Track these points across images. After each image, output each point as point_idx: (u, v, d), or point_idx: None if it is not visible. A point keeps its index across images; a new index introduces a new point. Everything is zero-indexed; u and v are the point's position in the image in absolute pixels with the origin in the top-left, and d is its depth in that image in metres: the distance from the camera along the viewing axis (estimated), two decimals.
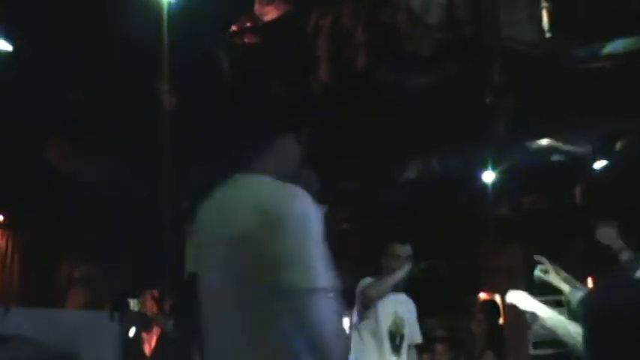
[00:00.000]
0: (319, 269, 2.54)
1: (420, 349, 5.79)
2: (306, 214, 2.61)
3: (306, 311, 2.51)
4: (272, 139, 2.91)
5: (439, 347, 9.23)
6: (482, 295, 11.07)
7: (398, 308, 5.24)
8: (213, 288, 2.74)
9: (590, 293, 5.70)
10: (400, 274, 5.13)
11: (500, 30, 7.73)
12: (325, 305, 2.55)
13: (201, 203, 2.92)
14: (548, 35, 7.98)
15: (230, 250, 2.61)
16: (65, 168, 7.60)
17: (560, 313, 8.08)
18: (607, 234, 5.37)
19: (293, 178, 2.84)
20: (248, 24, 6.41)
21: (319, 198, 3.01)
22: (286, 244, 2.53)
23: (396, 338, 5.19)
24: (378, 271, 5.25)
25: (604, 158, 9.61)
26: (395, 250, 5.24)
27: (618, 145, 9.38)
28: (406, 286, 5.33)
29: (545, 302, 9.51)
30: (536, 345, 9.39)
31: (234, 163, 2.90)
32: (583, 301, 5.51)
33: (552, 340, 8.98)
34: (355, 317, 5.18)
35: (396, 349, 5.17)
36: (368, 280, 5.15)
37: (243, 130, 3.04)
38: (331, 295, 2.57)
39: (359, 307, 5.12)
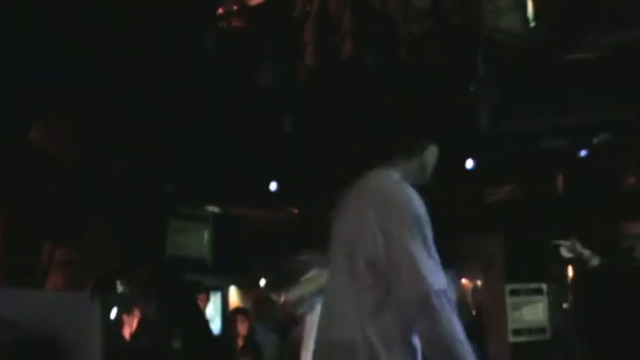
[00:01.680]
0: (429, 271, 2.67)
1: None
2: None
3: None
4: (425, 144, 3.19)
5: None
6: (464, 281, 11.16)
7: None
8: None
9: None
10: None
11: (484, 19, 7.74)
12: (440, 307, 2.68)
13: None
14: (532, 25, 8.00)
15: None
16: (48, 148, 7.55)
17: (540, 301, 8.12)
18: (571, 248, 5.47)
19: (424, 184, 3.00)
20: (234, 7, 6.38)
21: None
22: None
23: None
24: None
25: (584, 150, 9.69)
26: None
27: (598, 138, 9.45)
28: None
29: (525, 289, 9.60)
30: (515, 332, 9.44)
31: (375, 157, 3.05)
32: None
33: (531, 328, 9.10)
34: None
35: None
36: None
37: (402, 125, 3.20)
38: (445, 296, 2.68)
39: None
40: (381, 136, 3.38)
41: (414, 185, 3.01)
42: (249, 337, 9.02)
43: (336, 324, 2.93)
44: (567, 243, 5.59)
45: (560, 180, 10.27)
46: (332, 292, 3.05)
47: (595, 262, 5.41)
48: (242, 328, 8.98)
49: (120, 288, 7.95)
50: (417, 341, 2.82)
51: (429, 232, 2.89)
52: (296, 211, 9.94)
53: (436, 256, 2.85)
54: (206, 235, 8.94)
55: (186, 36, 6.70)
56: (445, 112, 8.18)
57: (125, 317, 7.69)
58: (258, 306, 10.05)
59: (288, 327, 8.59)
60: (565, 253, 5.63)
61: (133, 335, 7.60)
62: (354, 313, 2.87)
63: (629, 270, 5.65)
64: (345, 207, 3.09)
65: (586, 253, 5.46)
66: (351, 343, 2.83)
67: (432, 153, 3.17)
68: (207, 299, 9.03)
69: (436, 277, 2.77)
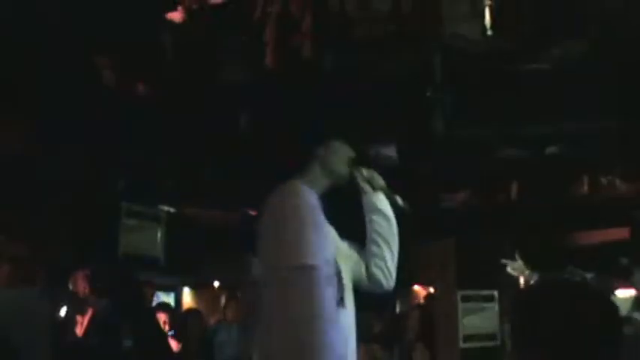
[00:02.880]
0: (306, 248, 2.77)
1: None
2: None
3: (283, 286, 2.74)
4: (318, 145, 3.15)
5: (375, 345, 9.32)
6: (417, 288, 11.21)
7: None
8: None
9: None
10: None
11: (442, 25, 7.79)
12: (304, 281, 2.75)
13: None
14: (489, 33, 8.07)
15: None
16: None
17: (491, 308, 8.20)
18: (517, 267, 5.59)
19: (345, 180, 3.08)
20: (194, 5, 6.35)
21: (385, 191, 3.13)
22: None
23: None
24: None
25: (537, 160, 9.80)
26: None
27: (549, 147, 9.56)
28: None
29: (476, 296, 9.68)
30: (466, 339, 9.51)
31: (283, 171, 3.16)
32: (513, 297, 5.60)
33: (482, 334, 9.18)
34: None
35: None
36: None
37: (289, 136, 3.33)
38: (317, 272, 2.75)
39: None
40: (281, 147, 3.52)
41: (331, 186, 3.09)
42: (203, 338, 9.01)
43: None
44: (513, 263, 5.74)
45: (514, 188, 10.37)
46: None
47: (534, 278, 5.55)
48: (195, 328, 8.98)
49: (70, 285, 7.87)
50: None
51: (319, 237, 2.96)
52: (250, 211, 9.92)
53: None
54: (159, 234, 8.87)
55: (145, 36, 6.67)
56: (402, 117, 8.25)
57: (76, 315, 7.63)
58: (229, 306, 10.13)
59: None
60: (510, 270, 5.78)
61: (84, 333, 7.54)
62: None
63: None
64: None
65: (527, 272, 5.61)
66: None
67: (334, 151, 3.19)
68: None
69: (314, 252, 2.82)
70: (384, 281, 3.33)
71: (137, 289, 8.07)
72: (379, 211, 3.43)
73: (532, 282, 5.47)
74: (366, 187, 3.58)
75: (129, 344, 7.46)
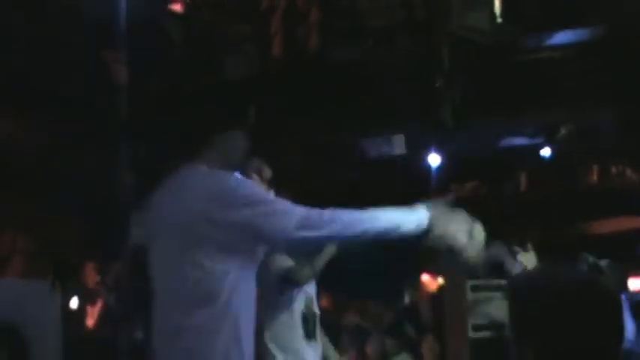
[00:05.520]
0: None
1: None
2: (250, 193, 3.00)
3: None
4: (216, 133, 3.21)
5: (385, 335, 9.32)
6: (425, 278, 11.19)
7: (305, 287, 4.61)
8: (163, 258, 3.11)
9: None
10: (328, 253, 4.53)
11: (451, 15, 7.79)
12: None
13: (152, 189, 3.23)
14: (498, 21, 8.07)
15: (185, 230, 2.97)
16: (8, 137, 7.51)
17: (503, 296, 8.19)
18: (528, 258, 5.57)
19: (238, 167, 3.25)
20: None
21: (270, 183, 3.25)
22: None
23: (309, 321, 4.62)
24: None
25: (547, 147, 9.79)
26: None
27: (560, 135, 9.55)
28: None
29: (486, 285, 9.68)
30: (475, 328, 9.50)
31: (181, 155, 3.14)
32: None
33: (492, 324, 9.17)
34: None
35: (310, 333, 4.60)
36: (286, 260, 4.52)
37: (190, 121, 3.31)
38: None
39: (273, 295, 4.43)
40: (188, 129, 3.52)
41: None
42: None
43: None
44: (525, 254, 5.72)
45: (523, 177, 10.37)
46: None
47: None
48: None
49: (82, 278, 7.92)
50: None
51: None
52: None
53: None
54: None
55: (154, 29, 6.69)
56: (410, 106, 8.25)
57: (87, 307, 7.66)
58: None
59: None
60: (521, 260, 5.80)
61: (95, 325, 7.58)
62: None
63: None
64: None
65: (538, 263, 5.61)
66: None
67: (234, 138, 3.27)
68: None
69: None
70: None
71: (147, 281, 8.08)
72: None
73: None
74: (254, 178, 3.72)
75: (139, 335, 7.49)
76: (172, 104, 6.60)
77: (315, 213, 2.93)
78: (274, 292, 4.42)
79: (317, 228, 2.93)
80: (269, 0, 6.14)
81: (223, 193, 2.94)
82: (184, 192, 3.07)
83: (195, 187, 3.05)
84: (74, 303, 7.65)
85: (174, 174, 3.18)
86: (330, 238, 3.22)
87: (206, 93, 3.58)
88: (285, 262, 4.49)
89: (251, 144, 3.29)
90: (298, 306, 4.57)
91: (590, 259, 5.77)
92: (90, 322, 7.63)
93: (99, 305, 7.60)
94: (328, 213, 2.94)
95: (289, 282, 4.46)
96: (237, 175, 3.16)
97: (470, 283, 9.62)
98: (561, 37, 8.04)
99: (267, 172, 3.63)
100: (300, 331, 4.57)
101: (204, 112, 3.34)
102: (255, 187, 3.19)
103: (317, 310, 4.73)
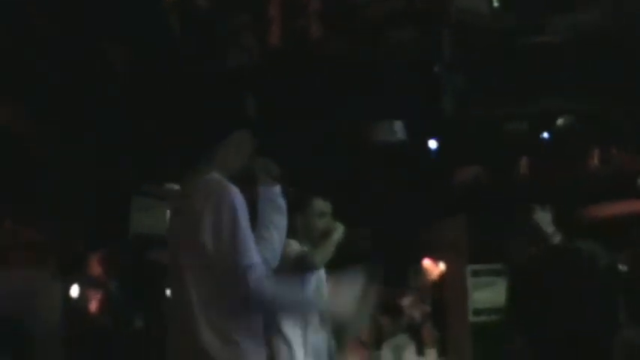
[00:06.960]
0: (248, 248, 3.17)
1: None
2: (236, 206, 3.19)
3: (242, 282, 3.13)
4: (223, 138, 3.36)
5: (385, 318, 9.34)
6: (427, 263, 11.21)
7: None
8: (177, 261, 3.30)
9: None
10: (337, 236, 4.62)
11: (450, 1, 7.77)
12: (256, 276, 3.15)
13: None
14: (496, 5, 8.04)
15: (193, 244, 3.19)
16: (13, 129, 7.51)
17: (501, 282, 8.17)
18: (543, 218, 5.50)
19: (244, 169, 3.41)
20: None
21: (278, 180, 3.31)
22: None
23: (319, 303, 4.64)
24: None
25: (547, 133, 9.77)
26: (317, 206, 4.79)
27: (560, 121, 9.53)
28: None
29: (486, 270, 9.69)
30: (475, 312, 9.54)
31: (191, 157, 3.24)
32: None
33: (492, 308, 9.19)
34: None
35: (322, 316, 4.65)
36: (296, 245, 4.60)
37: (196, 128, 3.43)
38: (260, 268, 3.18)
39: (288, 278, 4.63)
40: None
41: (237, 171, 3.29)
42: None
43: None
44: (544, 214, 5.57)
45: (524, 163, 10.35)
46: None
47: (557, 239, 5.38)
48: None
49: (83, 267, 7.92)
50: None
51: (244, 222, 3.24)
52: None
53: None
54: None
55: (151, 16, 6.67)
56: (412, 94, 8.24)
57: (88, 296, 7.67)
58: None
59: None
60: (536, 218, 5.60)
61: (96, 314, 7.59)
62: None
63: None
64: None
65: (552, 228, 5.45)
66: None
67: (242, 140, 3.35)
68: None
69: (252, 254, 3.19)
70: (271, 262, 3.42)
71: (148, 270, 8.10)
72: (273, 203, 3.51)
73: (553, 242, 5.31)
74: (262, 177, 3.66)
75: (140, 324, 7.52)
76: (177, 104, 6.63)
77: (262, 290, 3.17)
78: (289, 275, 4.37)
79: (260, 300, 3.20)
80: None
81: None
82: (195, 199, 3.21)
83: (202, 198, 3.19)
84: (76, 292, 7.67)
85: (187, 178, 3.34)
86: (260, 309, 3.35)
87: (210, 93, 3.68)
88: (299, 246, 4.61)
89: (257, 142, 3.35)
90: (310, 289, 4.62)
91: (591, 244, 5.66)
92: (92, 311, 7.65)
93: (100, 294, 7.62)
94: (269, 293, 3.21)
95: (306, 266, 4.52)
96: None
97: (471, 267, 9.66)
98: (562, 21, 8.01)
99: (275, 170, 3.65)
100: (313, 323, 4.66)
101: (212, 114, 3.44)
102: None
103: (325, 293, 4.78)
